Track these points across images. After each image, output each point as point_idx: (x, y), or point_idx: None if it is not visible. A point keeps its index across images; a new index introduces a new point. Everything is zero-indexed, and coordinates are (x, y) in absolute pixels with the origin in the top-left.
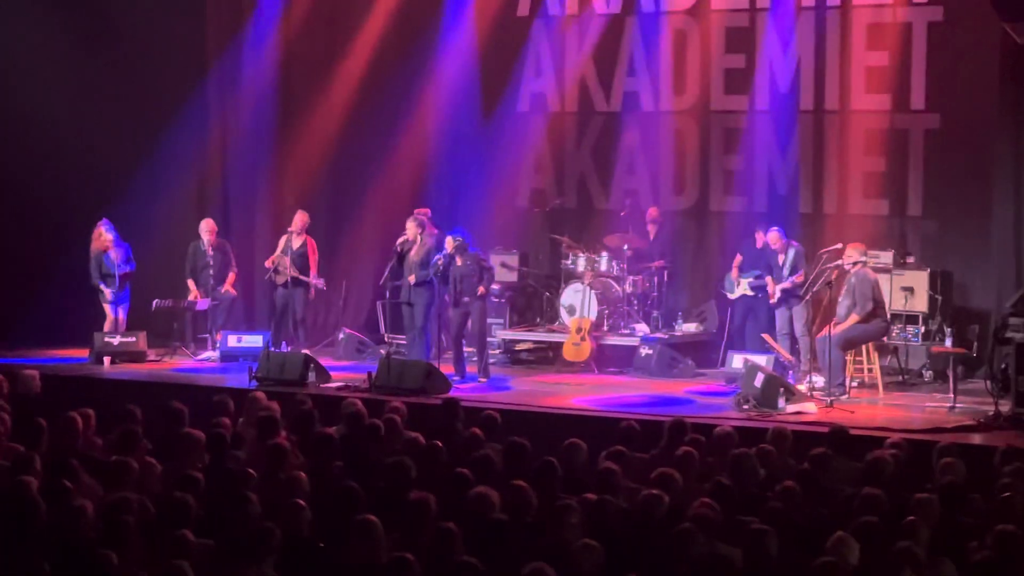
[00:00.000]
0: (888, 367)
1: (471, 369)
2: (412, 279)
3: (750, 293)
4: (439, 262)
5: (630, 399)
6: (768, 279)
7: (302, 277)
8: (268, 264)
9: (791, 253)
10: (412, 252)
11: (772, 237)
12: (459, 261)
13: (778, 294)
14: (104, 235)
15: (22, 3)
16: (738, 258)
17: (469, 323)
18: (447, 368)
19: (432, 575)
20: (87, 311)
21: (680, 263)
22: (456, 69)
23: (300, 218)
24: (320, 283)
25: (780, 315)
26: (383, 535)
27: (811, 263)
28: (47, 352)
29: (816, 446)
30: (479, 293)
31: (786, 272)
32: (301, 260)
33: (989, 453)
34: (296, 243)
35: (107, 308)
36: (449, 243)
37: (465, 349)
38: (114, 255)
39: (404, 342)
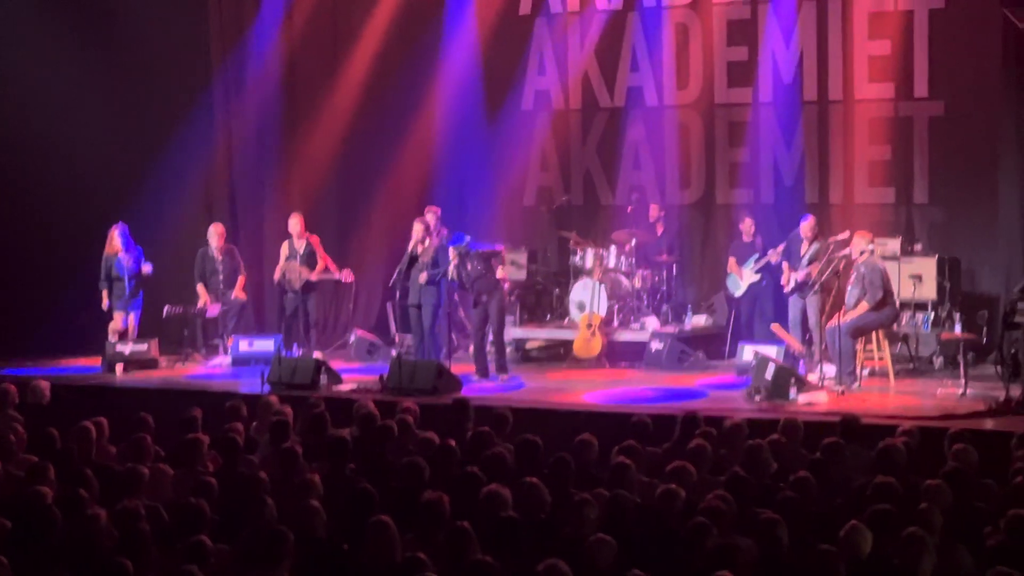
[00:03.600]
0: (898, 355)
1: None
2: (423, 278)
3: (756, 278)
4: (452, 271)
5: (641, 393)
6: (785, 264)
7: (324, 277)
8: (276, 275)
9: (815, 247)
10: (421, 253)
11: (805, 226)
12: (468, 266)
13: (792, 283)
14: (115, 239)
15: (29, 15)
16: (732, 260)
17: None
18: (458, 367)
19: (447, 574)
20: (99, 320)
21: (688, 256)
22: (459, 69)
23: (298, 221)
24: (348, 275)
25: (793, 304)
26: (398, 535)
27: (819, 256)
28: (60, 361)
29: (828, 436)
30: (499, 277)
31: (804, 262)
32: (310, 260)
33: (1002, 438)
34: (300, 246)
35: (116, 314)
36: (452, 254)
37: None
38: (124, 259)
39: (412, 343)
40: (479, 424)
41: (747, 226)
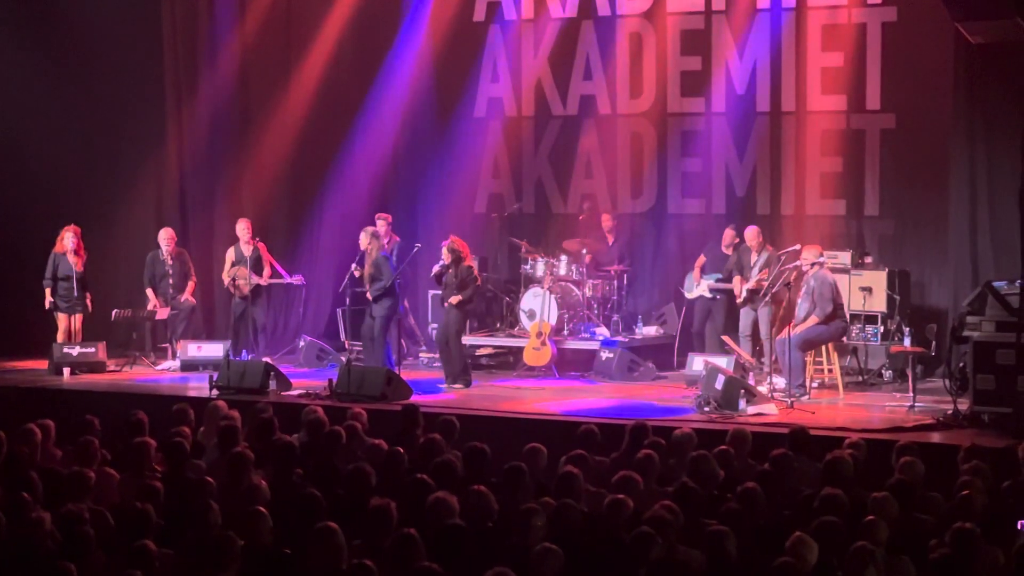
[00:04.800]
0: (848, 367)
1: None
2: (368, 295)
3: (708, 295)
4: (437, 267)
5: (591, 403)
6: (737, 278)
7: (275, 281)
8: (225, 279)
9: (764, 255)
10: (366, 266)
11: (749, 235)
12: (453, 270)
13: (744, 294)
14: (65, 239)
15: None
16: (701, 259)
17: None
18: (408, 374)
19: None
20: (46, 323)
21: (639, 266)
22: (412, 75)
23: (246, 226)
24: (299, 279)
25: (744, 316)
26: (344, 542)
27: (771, 265)
28: (5, 364)
29: (777, 447)
30: (450, 301)
31: (755, 272)
32: (257, 266)
33: (949, 451)
34: (248, 251)
35: (59, 316)
36: (445, 253)
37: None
38: (72, 260)
39: (361, 349)
40: (428, 431)
41: (728, 236)
